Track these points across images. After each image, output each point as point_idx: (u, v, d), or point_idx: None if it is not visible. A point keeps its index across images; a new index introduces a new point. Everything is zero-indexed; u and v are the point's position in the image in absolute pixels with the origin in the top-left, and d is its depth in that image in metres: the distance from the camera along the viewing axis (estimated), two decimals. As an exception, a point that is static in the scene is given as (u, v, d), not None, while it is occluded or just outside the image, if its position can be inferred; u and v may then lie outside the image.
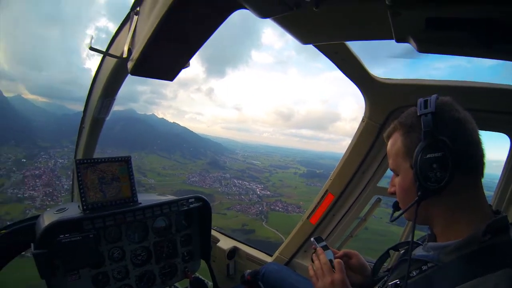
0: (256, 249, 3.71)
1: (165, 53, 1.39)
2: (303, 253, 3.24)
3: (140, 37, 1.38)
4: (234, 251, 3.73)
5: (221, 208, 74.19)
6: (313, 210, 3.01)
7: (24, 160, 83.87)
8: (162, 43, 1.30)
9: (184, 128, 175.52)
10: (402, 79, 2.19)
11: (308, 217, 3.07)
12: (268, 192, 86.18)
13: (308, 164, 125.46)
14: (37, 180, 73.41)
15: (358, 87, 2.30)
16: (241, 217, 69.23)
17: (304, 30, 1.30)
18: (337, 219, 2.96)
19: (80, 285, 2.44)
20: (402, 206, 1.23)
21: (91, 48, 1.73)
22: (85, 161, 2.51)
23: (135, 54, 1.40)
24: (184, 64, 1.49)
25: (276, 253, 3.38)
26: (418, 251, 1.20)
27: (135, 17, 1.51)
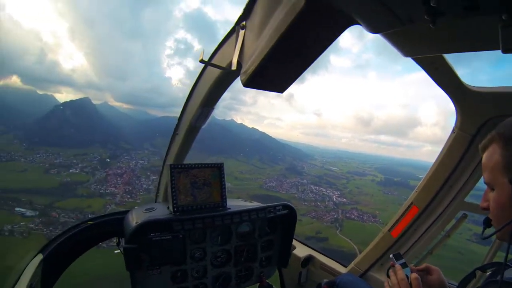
0: (331, 258, 3.66)
1: (280, 68, 1.43)
2: (379, 266, 3.17)
3: (253, 51, 1.43)
4: (308, 259, 3.68)
5: (297, 214, 67.69)
6: (396, 223, 2.93)
7: (108, 160, 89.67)
8: (278, 58, 1.33)
9: (263, 133, 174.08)
10: (497, 87, 2.11)
11: (389, 230, 2.99)
12: (345, 200, 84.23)
13: (386, 172, 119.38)
14: (118, 179, 77.72)
15: (449, 97, 2.25)
16: (316, 224, 67.94)
17: (410, 43, 1.31)
18: (419, 233, 2.86)
19: (159, 280, 2.68)
20: (496, 223, 1.15)
21: (202, 61, 1.90)
22: (179, 166, 2.73)
23: (249, 67, 1.44)
24: (297, 77, 1.52)
25: (352, 264, 3.34)
26: (509, 274, 1.11)
27: (241, 31, 1.60)
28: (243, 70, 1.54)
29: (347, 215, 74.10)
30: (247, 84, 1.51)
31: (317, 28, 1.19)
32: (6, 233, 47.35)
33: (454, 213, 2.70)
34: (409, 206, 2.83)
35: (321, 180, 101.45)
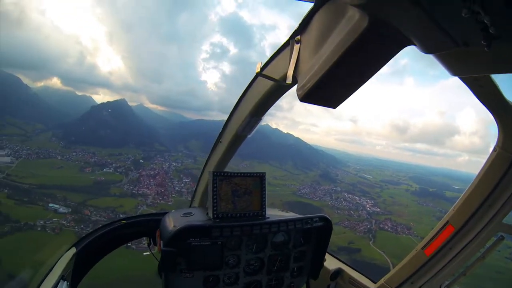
0: (361, 273, 3.62)
1: (337, 84, 1.44)
2: (409, 284, 3.10)
3: (311, 67, 1.45)
4: (338, 272, 3.65)
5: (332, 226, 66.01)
6: (430, 241, 2.86)
7: (142, 161, 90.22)
8: (337, 75, 1.35)
9: (298, 139, 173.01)
10: None
11: (423, 247, 2.92)
12: (378, 209, 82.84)
13: (420, 181, 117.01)
14: (151, 180, 77.10)
15: (492, 115, 2.18)
16: (349, 234, 66.41)
17: (460, 63, 1.29)
18: (453, 253, 2.79)
19: (191, 284, 2.72)
20: None
21: (259, 74, 1.92)
22: (222, 173, 2.76)
23: (308, 82, 1.46)
24: (351, 94, 1.52)
25: (382, 281, 3.29)
26: None
27: (296, 46, 1.61)
28: (300, 85, 1.54)
29: (381, 225, 71.96)
30: (304, 99, 1.52)
31: (376, 48, 1.23)
32: (39, 228, 47.53)
33: (491, 234, 2.61)
34: (444, 225, 2.75)
35: (355, 188, 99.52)
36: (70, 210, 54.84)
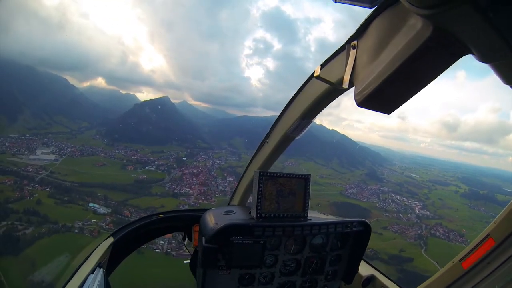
0: (394, 282, 3.59)
1: (395, 91, 1.47)
2: None
3: (369, 73, 1.48)
4: (370, 279, 3.63)
5: (377, 226, 67.81)
6: (469, 253, 2.78)
7: (185, 159, 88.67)
8: (395, 82, 1.38)
9: (343, 135, 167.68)
10: None
11: (460, 260, 2.84)
12: (428, 213, 78.15)
13: (469, 182, 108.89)
14: (194, 178, 75.02)
15: None
16: (399, 240, 62.80)
17: None
18: (491, 268, 2.67)
19: (227, 280, 2.77)
20: None
21: (318, 77, 1.93)
22: (268, 174, 2.80)
23: (365, 89, 1.49)
24: (406, 100, 1.55)
25: None
26: None
27: (353, 50, 1.65)
28: (357, 90, 1.58)
29: (432, 231, 67.35)
30: (362, 104, 1.55)
31: (437, 57, 1.24)
32: (76, 230, 46.29)
33: None
34: (485, 238, 2.64)
35: (402, 188, 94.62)
36: (110, 210, 53.55)
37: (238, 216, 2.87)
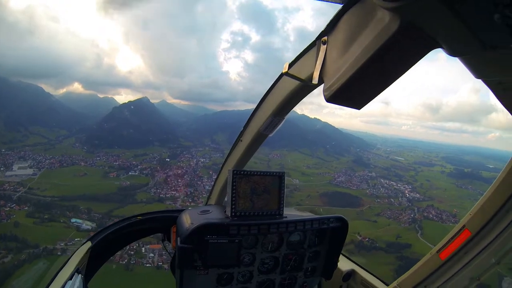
0: (374, 275, 3.65)
1: (364, 86, 1.47)
2: None
3: (338, 68, 1.47)
4: (350, 273, 3.67)
5: (371, 214, 68.48)
6: (445, 245, 2.86)
7: (168, 160, 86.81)
8: (364, 77, 1.37)
9: (325, 123, 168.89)
10: None
11: (438, 251, 2.92)
12: (418, 195, 79.38)
13: (453, 161, 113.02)
14: (179, 180, 73.45)
15: None
16: (393, 226, 62.89)
17: (485, 66, 1.32)
18: (468, 258, 2.76)
19: (206, 281, 2.75)
20: None
21: (286, 73, 1.90)
22: (241, 172, 2.77)
23: (334, 84, 1.48)
24: (376, 95, 1.55)
25: (394, 283, 3.31)
26: None
27: (323, 46, 1.62)
28: (326, 85, 1.57)
29: (425, 214, 67.99)
30: (330, 99, 1.55)
31: (404, 51, 1.24)
32: (59, 253, 43.19)
33: (508, 240, 2.59)
34: (461, 229, 2.75)
35: (390, 172, 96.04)
36: (94, 225, 51.34)
37: (213, 215, 2.86)
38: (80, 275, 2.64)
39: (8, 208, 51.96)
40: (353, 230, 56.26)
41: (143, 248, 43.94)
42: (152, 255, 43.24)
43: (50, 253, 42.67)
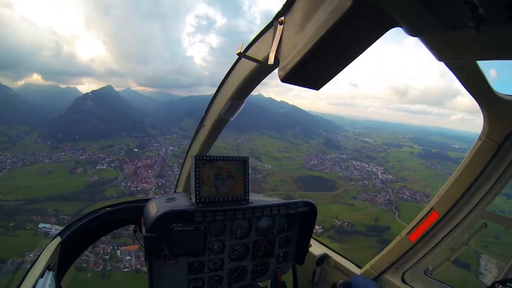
0: (346, 258, 3.72)
1: (320, 66, 1.44)
2: (394, 270, 3.20)
3: (293, 47, 1.46)
4: (323, 258, 3.72)
5: (347, 197, 69.64)
6: (414, 227, 2.95)
7: (136, 150, 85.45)
8: (319, 56, 1.35)
9: (293, 106, 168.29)
10: None
11: (407, 233, 3.01)
12: (390, 176, 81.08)
13: (421, 142, 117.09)
14: (149, 171, 72.46)
15: (478, 104, 2.27)
16: (370, 209, 63.86)
17: (447, 48, 1.31)
18: (437, 239, 2.89)
19: (176, 270, 2.78)
20: None
21: (239, 54, 1.87)
22: (204, 157, 2.81)
23: (289, 63, 1.47)
24: (334, 76, 1.53)
25: (367, 266, 3.37)
26: None
27: (280, 27, 1.60)
28: (281, 65, 1.55)
29: (399, 195, 69.39)
30: (285, 79, 1.53)
31: (360, 29, 1.21)
32: (29, 265, 39.45)
33: (474, 221, 2.71)
34: (429, 211, 2.83)
35: (361, 154, 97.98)
36: (63, 228, 48.94)
37: (179, 203, 2.85)
38: (51, 272, 2.55)
39: (-33, 218, 48.80)
40: (332, 215, 57.06)
41: (118, 251, 41.73)
42: (129, 257, 40.86)
43: (19, 267, 38.92)
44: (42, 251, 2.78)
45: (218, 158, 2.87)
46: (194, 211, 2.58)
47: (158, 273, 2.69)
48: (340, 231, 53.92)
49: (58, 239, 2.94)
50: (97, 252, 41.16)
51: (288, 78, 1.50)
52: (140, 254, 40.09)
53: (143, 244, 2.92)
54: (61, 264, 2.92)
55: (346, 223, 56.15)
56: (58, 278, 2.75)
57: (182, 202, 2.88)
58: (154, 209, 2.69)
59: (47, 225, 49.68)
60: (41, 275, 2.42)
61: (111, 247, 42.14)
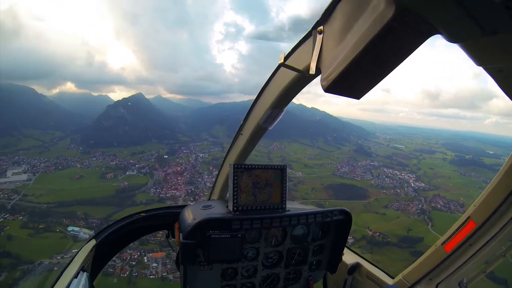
0: (379, 268, 3.65)
1: (362, 75, 1.45)
2: (428, 281, 3.11)
3: (334, 57, 1.46)
4: (355, 266, 3.66)
5: (378, 206, 67.04)
6: (450, 237, 2.85)
7: (166, 157, 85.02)
8: (361, 66, 1.36)
9: (324, 113, 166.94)
10: None
11: (443, 243, 2.90)
12: (423, 184, 78.17)
13: (454, 148, 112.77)
14: (179, 178, 71.50)
15: None
16: (403, 219, 61.57)
17: (487, 53, 1.28)
18: (473, 250, 2.76)
19: (209, 276, 2.77)
20: None
21: (283, 64, 1.84)
22: (242, 166, 2.79)
23: (332, 73, 1.47)
24: (375, 84, 1.53)
25: (399, 276, 3.33)
26: None
27: (319, 36, 1.61)
28: (323, 75, 1.55)
29: (432, 204, 66.80)
30: (328, 89, 1.53)
31: (402, 38, 1.22)
32: (55, 268, 39.30)
33: None
34: (465, 221, 2.72)
35: (392, 161, 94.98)
36: (92, 232, 48.08)
37: (216, 210, 2.86)
38: (85, 273, 2.65)
39: (2, 219, 49.77)
40: (363, 225, 55.21)
41: (145, 258, 41.49)
42: (156, 264, 40.43)
43: (46, 269, 39.75)
44: (77, 253, 2.84)
45: (257, 166, 2.85)
46: (231, 219, 2.58)
47: (192, 278, 2.72)
48: (372, 241, 52.10)
49: (93, 242, 2.99)
50: (124, 257, 41.07)
51: (331, 88, 1.50)
52: (167, 261, 40.20)
53: (174, 249, 3.27)
54: (95, 266, 3.00)
55: (378, 233, 54.20)
56: (91, 279, 2.86)
57: (218, 209, 2.89)
58: (190, 216, 2.70)
59: (76, 229, 49.62)
60: (75, 276, 2.52)
61: (138, 253, 42.04)
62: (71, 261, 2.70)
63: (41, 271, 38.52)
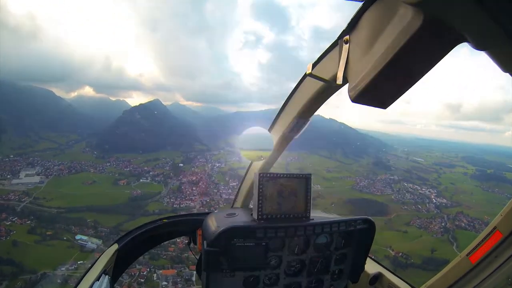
0: (401, 278, 3.59)
1: (389, 85, 1.46)
2: None
3: (362, 67, 1.47)
4: (377, 277, 3.63)
5: (400, 223, 64.25)
6: (475, 248, 2.75)
7: (181, 165, 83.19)
8: (389, 76, 1.36)
9: (342, 124, 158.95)
10: None
11: (468, 254, 2.82)
12: (445, 200, 74.85)
13: (474, 162, 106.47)
14: (194, 188, 69.22)
15: None
16: (426, 237, 58.96)
17: None
18: (500, 261, 2.65)
19: (231, 284, 2.75)
20: None
21: (310, 74, 1.86)
22: (268, 175, 2.79)
23: (359, 83, 1.47)
24: (402, 94, 1.53)
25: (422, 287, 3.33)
26: None
27: (345, 46, 1.62)
28: (351, 85, 1.55)
29: (456, 222, 63.77)
30: (356, 99, 1.53)
31: (429, 47, 1.23)
32: (59, 280, 37.58)
33: None
34: (492, 231, 2.62)
35: (411, 175, 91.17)
36: (100, 242, 46.76)
37: (240, 218, 2.89)
38: (107, 276, 2.73)
39: (10, 222, 48.10)
40: (385, 243, 52.55)
41: (154, 275, 39.05)
42: (166, 283, 37.80)
43: (49, 281, 37.78)
44: (99, 256, 2.91)
45: (282, 175, 2.83)
46: (256, 227, 2.61)
47: (214, 285, 2.72)
48: (395, 262, 49.05)
49: (115, 246, 3.07)
50: (133, 273, 39.04)
51: (358, 99, 1.50)
52: (178, 280, 38.37)
53: (195, 255, 3.45)
54: (116, 270, 3.09)
55: (401, 254, 51.64)
56: (112, 282, 2.92)
57: (242, 218, 2.90)
58: (214, 223, 2.71)
59: (84, 237, 47.94)
60: (97, 278, 2.59)
61: (148, 269, 40.06)
62: (93, 264, 2.77)
63: (43, 284, 36.74)
